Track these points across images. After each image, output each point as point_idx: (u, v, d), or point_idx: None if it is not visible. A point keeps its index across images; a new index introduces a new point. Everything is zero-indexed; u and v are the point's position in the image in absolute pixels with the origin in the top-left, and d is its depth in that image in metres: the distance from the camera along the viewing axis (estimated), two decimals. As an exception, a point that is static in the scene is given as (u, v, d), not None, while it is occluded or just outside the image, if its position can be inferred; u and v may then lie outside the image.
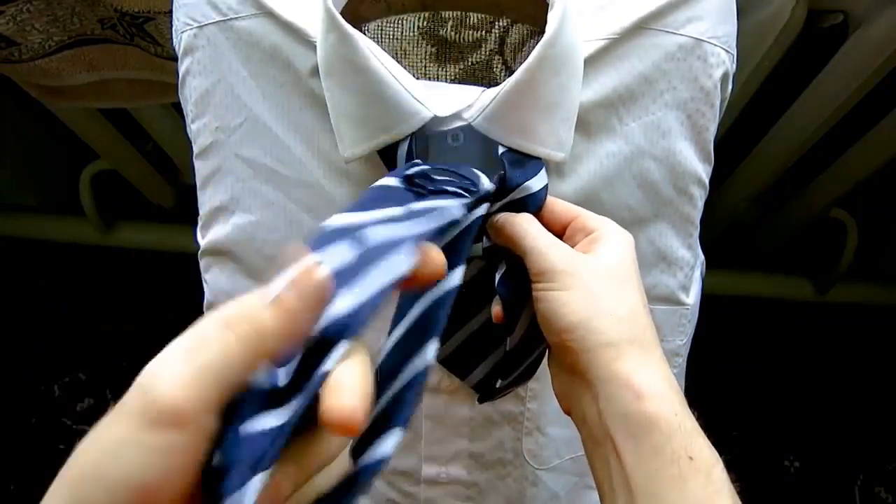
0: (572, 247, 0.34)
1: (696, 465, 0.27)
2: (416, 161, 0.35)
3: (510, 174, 0.35)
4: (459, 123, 0.37)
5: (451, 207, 0.29)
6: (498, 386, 0.40)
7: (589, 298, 0.31)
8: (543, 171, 0.37)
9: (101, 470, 0.18)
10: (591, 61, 0.38)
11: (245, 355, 0.19)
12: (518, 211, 0.36)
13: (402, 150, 0.37)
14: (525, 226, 0.34)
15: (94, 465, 0.18)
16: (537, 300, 0.33)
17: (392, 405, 0.24)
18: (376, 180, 0.37)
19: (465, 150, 0.39)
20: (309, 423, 0.21)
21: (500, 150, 0.37)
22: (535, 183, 0.36)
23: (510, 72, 0.41)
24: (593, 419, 0.31)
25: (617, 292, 0.32)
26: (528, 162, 0.37)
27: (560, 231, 0.36)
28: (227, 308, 0.20)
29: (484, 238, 0.38)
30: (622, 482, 0.28)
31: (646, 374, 0.30)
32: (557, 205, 0.37)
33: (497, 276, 0.36)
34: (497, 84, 0.38)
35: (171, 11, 0.42)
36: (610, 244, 0.33)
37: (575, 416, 0.33)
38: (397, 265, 0.23)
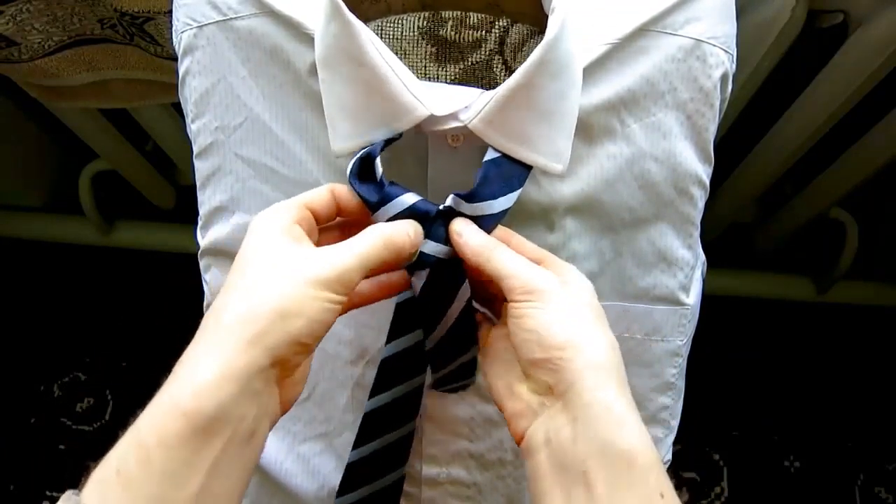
0: None
1: (667, 503, 0.27)
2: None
3: (477, 190, 0.35)
4: (456, 124, 0.36)
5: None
6: (435, 377, 0.42)
7: (576, 320, 0.32)
8: (516, 194, 0.36)
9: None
10: (593, 67, 0.38)
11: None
12: None
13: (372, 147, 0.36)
14: (496, 247, 0.34)
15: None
16: (521, 317, 0.32)
17: None
18: None
19: (463, 153, 0.38)
20: None
21: (490, 155, 0.36)
22: (500, 203, 0.36)
23: (510, 72, 0.41)
24: (564, 443, 0.29)
25: (596, 323, 0.32)
26: (511, 176, 0.36)
27: None
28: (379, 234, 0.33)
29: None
30: None
31: (625, 405, 0.29)
32: (526, 245, 0.37)
33: (419, 283, 0.36)
34: (497, 85, 0.37)
35: (171, 11, 0.42)
36: (578, 285, 0.34)
37: (533, 441, 0.32)
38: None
